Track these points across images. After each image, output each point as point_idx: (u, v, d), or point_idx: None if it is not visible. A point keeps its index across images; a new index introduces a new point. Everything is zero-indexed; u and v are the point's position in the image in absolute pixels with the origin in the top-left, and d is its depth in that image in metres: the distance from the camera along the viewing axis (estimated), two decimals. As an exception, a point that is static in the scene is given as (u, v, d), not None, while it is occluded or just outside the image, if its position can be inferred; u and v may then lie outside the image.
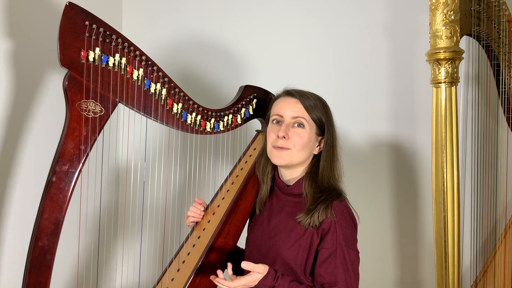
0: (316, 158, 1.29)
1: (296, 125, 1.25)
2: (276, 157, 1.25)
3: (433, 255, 1.52)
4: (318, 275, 1.17)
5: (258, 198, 1.36)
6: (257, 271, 1.12)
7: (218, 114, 1.41)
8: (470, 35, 1.55)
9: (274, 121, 1.29)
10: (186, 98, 1.33)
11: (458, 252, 1.48)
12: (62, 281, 1.75)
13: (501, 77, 1.62)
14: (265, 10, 2.04)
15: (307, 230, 1.19)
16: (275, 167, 1.35)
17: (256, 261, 1.21)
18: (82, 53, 1.12)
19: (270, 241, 1.26)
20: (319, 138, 1.28)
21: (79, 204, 1.28)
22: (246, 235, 1.38)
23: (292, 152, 1.24)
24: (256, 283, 1.14)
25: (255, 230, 1.34)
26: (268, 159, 1.32)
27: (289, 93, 1.30)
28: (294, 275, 1.19)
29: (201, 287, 1.23)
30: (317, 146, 1.29)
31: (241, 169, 1.49)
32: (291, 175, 1.29)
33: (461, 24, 1.47)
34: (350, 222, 1.20)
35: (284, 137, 1.23)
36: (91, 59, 1.14)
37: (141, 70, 1.23)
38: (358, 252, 1.19)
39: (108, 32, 1.16)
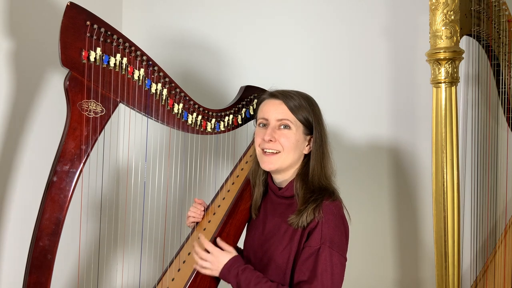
0: (307, 158, 1.26)
1: (282, 127, 1.23)
2: (266, 163, 1.24)
3: (433, 255, 1.52)
4: (300, 271, 1.14)
5: (252, 202, 1.35)
6: (225, 253, 1.21)
7: (219, 114, 1.41)
8: (470, 35, 1.55)
9: (261, 125, 1.27)
10: (187, 98, 1.33)
11: (458, 252, 1.47)
12: (63, 281, 1.75)
13: (501, 77, 1.62)
14: (265, 10, 2.04)
15: (297, 231, 1.18)
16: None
17: (252, 266, 1.21)
18: (83, 53, 1.12)
19: (265, 245, 1.25)
20: (308, 137, 1.26)
21: (80, 204, 1.28)
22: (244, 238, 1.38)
23: (281, 155, 1.22)
24: (217, 265, 1.20)
25: (252, 235, 1.33)
26: (258, 163, 1.29)
27: (273, 95, 1.27)
28: (285, 278, 1.17)
29: (201, 287, 1.23)
30: (307, 146, 1.26)
31: (242, 169, 1.49)
32: (283, 177, 1.28)
33: (461, 24, 1.47)
34: (339, 225, 1.16)
35: (271, 140, 1.22)
36: (92, 59, 1.14)
37: (142, 70, 1.23)
38: (342, 257, 1.14)
39: (109, 32, 1.16)
